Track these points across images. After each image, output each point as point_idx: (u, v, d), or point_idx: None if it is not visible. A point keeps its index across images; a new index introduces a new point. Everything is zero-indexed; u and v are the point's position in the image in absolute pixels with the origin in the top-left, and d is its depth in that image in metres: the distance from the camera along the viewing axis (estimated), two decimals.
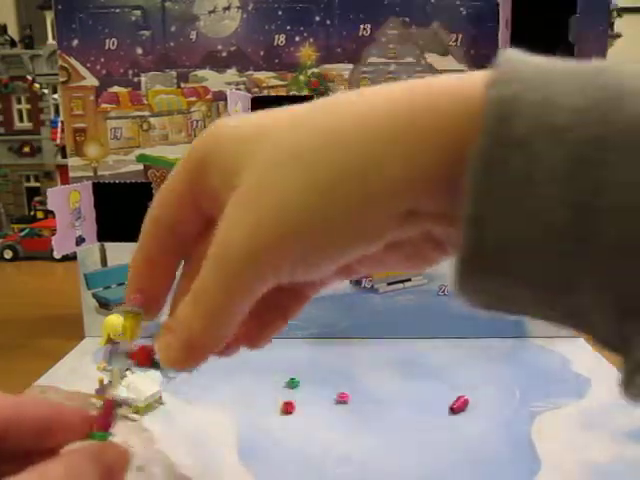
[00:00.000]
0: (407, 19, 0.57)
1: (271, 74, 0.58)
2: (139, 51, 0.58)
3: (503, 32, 0.56)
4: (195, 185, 0.22)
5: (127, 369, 0.46)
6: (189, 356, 0.21)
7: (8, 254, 1.04)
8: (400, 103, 0.18)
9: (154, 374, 0.46)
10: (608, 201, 0.15)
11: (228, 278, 0.19)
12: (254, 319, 0.23)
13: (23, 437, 0.23)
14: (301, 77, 0.58)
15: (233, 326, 0.21)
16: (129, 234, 0.61)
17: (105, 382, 0.46)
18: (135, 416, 0.43)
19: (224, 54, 0.58)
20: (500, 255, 0.17)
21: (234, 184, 0.20)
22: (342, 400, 0.46)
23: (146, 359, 0.35)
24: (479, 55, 0.57)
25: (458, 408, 0.45)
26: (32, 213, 1.25)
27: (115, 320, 0.45)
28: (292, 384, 0.49)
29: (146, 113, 0.60)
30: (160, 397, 0.46)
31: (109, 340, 0.45)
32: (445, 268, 0.58)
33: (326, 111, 0.20)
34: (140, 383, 0.44)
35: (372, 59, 0.58)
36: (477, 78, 0.17)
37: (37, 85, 1.31)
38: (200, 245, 0.23)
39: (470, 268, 0.17)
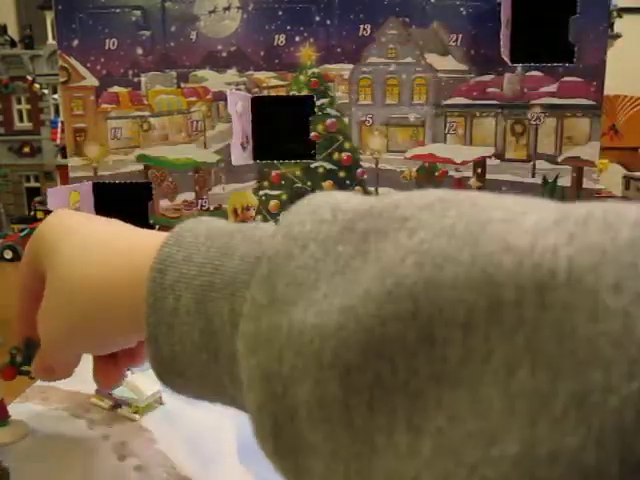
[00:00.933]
0: (407, 19, 0.57)
1: (271, 74, 0.58)
2: (139, 51, 0.58)
3: (504, 32, 0.56)
4: (32, 263, 0.33)
5: (127, 369, 0.46)
6: (47, 374, 0.34)
7: (8, 254, 1.04)
8: (114, 265, 0.27)
9: (153, 374, 0.46)
10: (225, 327, 0.22)
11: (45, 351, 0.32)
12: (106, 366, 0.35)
13: None
14: (301, 77, 0.58)
15: (70, 366, 0.33)
16: None
17: None
18: (135, 416, 0.43)
19: (224, 54, 0.58)
20: (171, 362, 0.25)
21: (46, 277, 0.30)
22: None
23: (10, 375, 0.41)
24: (479, 55, 0.57)
25: None
26: (32, 213, 1.25)
27: None
28: None
29: (146, 113, 0.60)
30: (160, 397, 0.45)
31: None
32: None
33: (98, 253, 0.29)
34: (140, 383, 0.44)
35: (372, 59, 0.58)
36: (159, 241, 0.25)
37: (37, 85, 1.31)
38: None
39: (158, 372, 0.26)
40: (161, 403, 0.45)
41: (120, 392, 0.44)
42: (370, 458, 0.17)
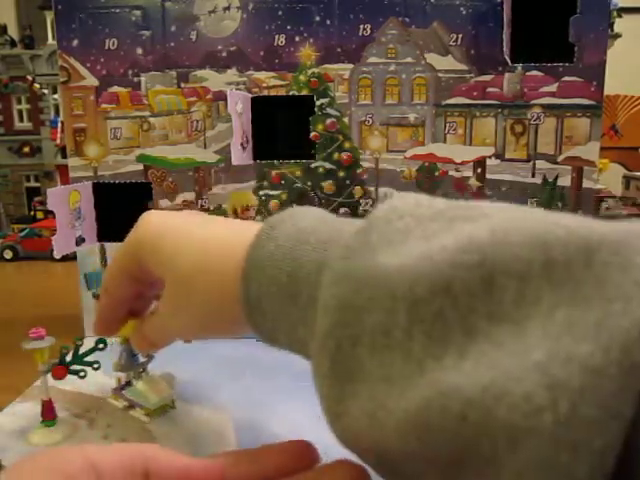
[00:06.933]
0: (407, 19, 0.57)
1: (271, 74, 0.58)
2: (139, 51, 0.58)
3: (506, 32, 0.56)
4: (132, 263, 0.36)
5: (142, 370, 0.45)
6: (149, 348, 0.40)
7: (8, 254, 1.04)
8: (210, 258, 0.31)
9: (168, 377, 0.45)
10: (310, 276, 0.26)
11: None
12: None
13: None
14: (301, 77, 0.58)
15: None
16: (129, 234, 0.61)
17: (122, 382, 0.45)
18: (146, 418, 0.43)
19: (224, 54, 0.58)
20: (257, 301, 0.28)
21: (160, 276, 0.34)
22: None
23: (60, 373, 0.42)
24: (479, 55, 0.57)
25: None
26: (32, 213, 1.25)
27: (133, 320, 0.43)
28: None
29: (146, 113, 0.60)
30: (173, 400, 0.44)
31: (125, 340, 0.43)
32: None
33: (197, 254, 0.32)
34: (153, 385, 0.43)
35: (372, 59, 0.58)
36: (249, 236, 0.29)
37: (37, 85, 1.31)
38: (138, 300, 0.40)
39: (245, 309, 0.29)
40: (173, 407, 0.44)
41: (134, 394, 0.43)
42: (417, 377, 0.20)
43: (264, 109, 0.59)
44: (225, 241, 0.31)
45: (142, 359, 0.45)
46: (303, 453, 0.28)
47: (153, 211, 0.36)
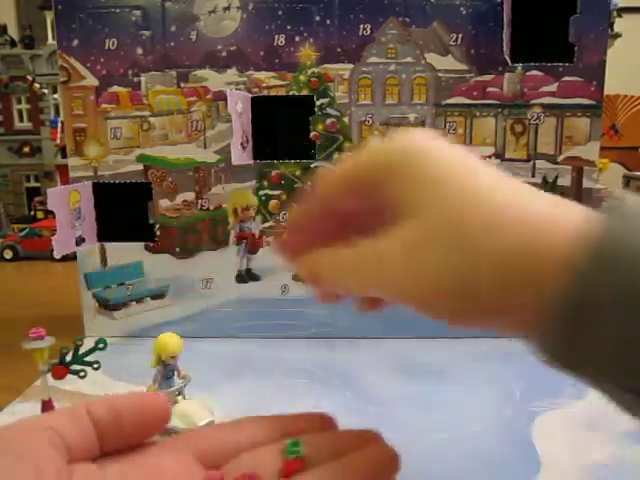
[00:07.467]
0: (407, 19, 0.57)
1: (271, 74, 0.58)
2: (139, 51, 0.58)
3: (507, 32, 0.56)
4: (366, 181, 0.25)
5: (178, 394, 0.42)
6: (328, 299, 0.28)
7: (8, 254, 1.04)
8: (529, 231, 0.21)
9: (208, 400, 0.42)
10: None
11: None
12: None
13: (123, 434, 0.23)
14: (301, 77, 0.58)
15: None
16: (129, 234, 0.61)
17: None
18: None
19: (224, 54, 0.58)
20: (591, 298, 0.18)
21: (405, 213, 0.23)
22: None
23: (61, 373, 0.41)
24: (479, 55, 0.57)
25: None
26: (32, 213, 1.25)
27: (167, 340, 0.41)
28: None
29: (146, 113, 0.60)
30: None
31: (160, 362, 0.41)
32: None
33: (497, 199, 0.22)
34: (192, 411, 0.40)
35: (372, 59, 0.58)
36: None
37: (37, 85, 1.31)
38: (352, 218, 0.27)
39: (563, 311, 0.19)
40: None
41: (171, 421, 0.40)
42: None
43: (264, 109, 0.59)
44: (539, 207, 0.21)
45: (178, 382, 0.42)
46: (323, 418, 0.26)
47: (420, 131, 0.25)
